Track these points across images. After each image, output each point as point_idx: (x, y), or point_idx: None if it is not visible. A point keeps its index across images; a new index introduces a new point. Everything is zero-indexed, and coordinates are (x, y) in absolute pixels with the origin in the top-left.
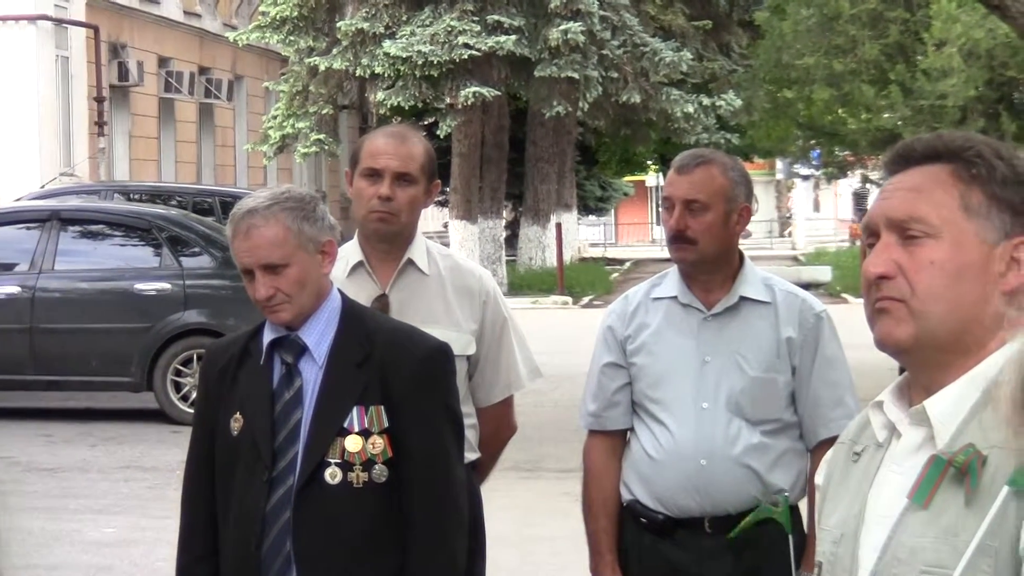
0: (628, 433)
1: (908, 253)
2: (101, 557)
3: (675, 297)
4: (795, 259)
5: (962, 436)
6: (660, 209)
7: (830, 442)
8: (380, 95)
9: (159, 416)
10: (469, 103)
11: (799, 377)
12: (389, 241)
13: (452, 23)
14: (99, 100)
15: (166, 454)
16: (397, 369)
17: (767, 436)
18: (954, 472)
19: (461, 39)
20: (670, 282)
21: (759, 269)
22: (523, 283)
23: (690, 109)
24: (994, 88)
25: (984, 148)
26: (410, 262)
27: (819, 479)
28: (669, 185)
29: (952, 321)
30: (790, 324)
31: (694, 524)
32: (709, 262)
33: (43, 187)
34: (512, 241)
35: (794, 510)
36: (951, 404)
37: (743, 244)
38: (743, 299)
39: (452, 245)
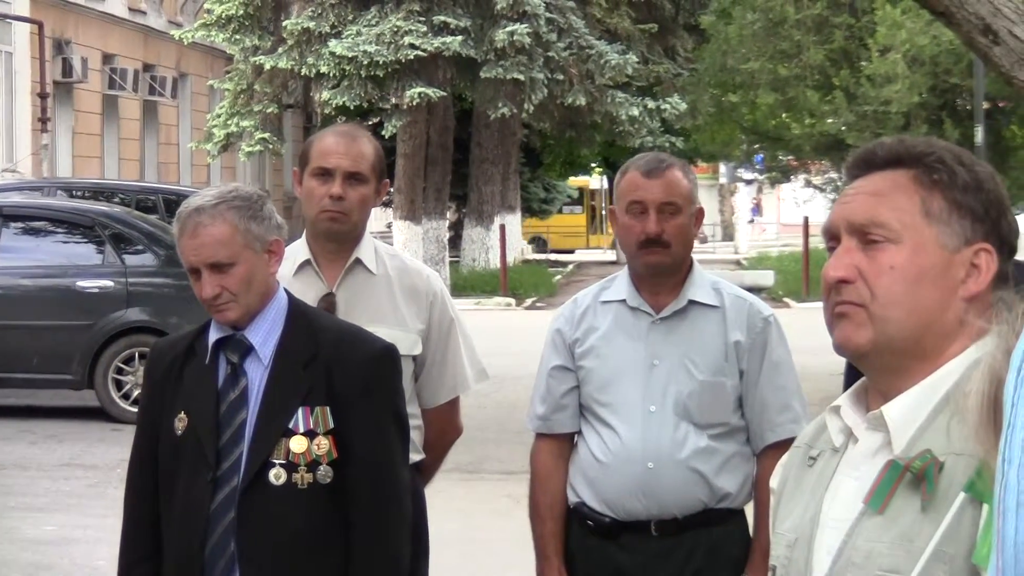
0: (575, 436)
1: (868, 257)
2: (41, 555)
3: (624, 300)
4: (738, 263)
5: (919, 442)
6: (619, 212)
7: (777, 446)
8: (325, 94)
9: (100, 414)
10: (414, 103)
11: (747, 381)
12: (338, 240)
13: (398, 23)
14: (43, 96)
15: (107, 452)
16: (343, 370)
17: (714, 440)
18: (911, 477)
19: (407, 39)
20: (619, 285)
21: (707, 273)
22: (466, 284)
23: (635, 112)
24: (938, 95)
25: (946, 154)
26: (358, 261)
27: (774, 482)
28: (638, 189)
29: (911, 326)
30: (738, 328)
31: (640, 527)
32: (677, 265)
33: None
34: (456, 242)
35: (740, 514)
36: (909, 409)
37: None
38: (692, 303)
39: (396, 245)
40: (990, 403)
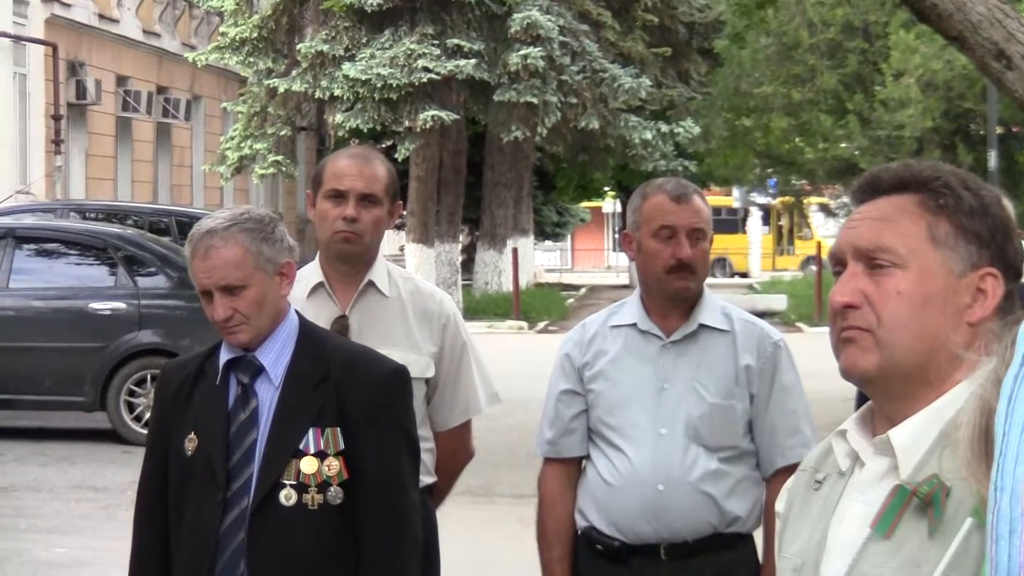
0: (584, 461)
1: (875, 283)
2: None
3: (634, 324)
4: (750, 287)
5: (926, 466)
6: (643, 237)
7: (786, 470)
8: (339, 117)
9: (112, 436)
10: (427, 126)
11: (756, 405)
12: (351, 262)
13: (412, 46)
14: (56, 118)
15: (118, 474)
16: (354, 391)
17: (724, 463)
18: (918, 503)
19: (420, 62)
20: (629, 309)
21: (716, 297)
22: (479, 308)
23: (648, 136)
24: (951, 119)
25: (951, 179)
26: (371, 284)
27: (779, 506)
28: (669, 214)
29: (917, 351)
30: (748, 352)
31: (650, 551)
32: (700, 290)
33: None
34: (468, 265)
35: (749, 538)
36: (915, 434)
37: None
38: (702, 327)
39: (408, 268)
40: (982, 434)
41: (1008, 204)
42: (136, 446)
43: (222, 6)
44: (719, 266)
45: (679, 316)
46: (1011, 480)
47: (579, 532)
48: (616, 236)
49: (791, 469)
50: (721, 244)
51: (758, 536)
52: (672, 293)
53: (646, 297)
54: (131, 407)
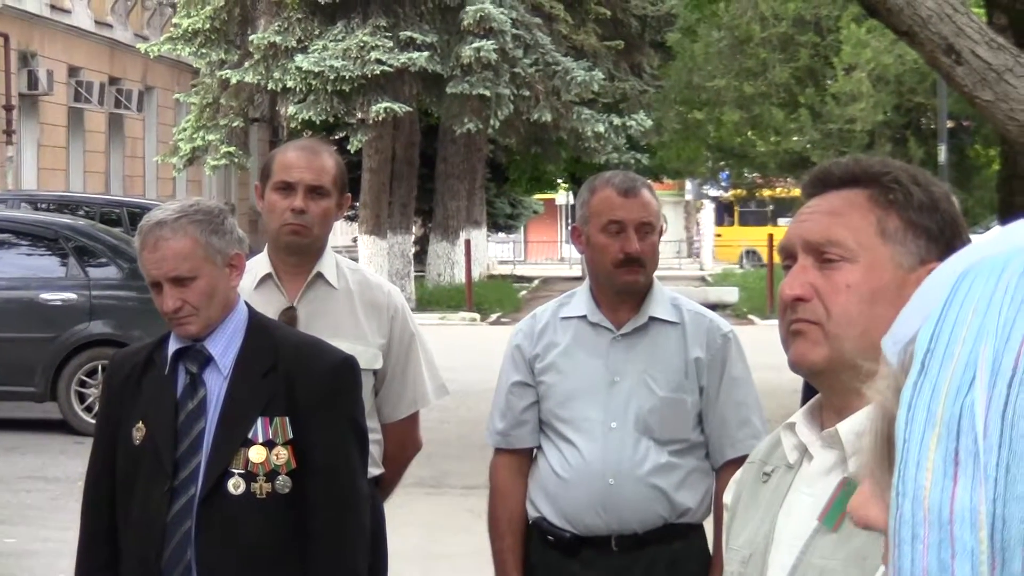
0: (535, 451)
1: (824, 276)
2: (1, 567)
3: (584, 316)
4: (703, 279)
5: None
6: (591, 230)
7: (736, 462)
8: (291, 109)
9: (62, 427)
10: (380, 118)
11: (706, 397)
12: (300, 254)
13: (365, 38)
14: (8, 108)
15: (68, 464)
16: (303, 380)
17: (675, 456)
18: None
19: (373, 54)
20: (579, 301)
21: (667, 289)
22: (431, 299)
23: (601, 128)
24: (902, 113)
25: (901, 174)
26: (319, 275)
27: (727, 498)
28: (616, 208)
29: (866, 345)
30: (698, 344)
31: (601, 542)
32: (649, 284)
33: None
34: (421, 257)
35: (699, 528)
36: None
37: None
38: (652, 319)
39: (361, 260)
40: (884, 441)
41: (955, 201)
42: (87, 436)
43: None
44: None
45: (629, 309)
46: (912, 486)
47: (530, 522)
48: (569, 228)
49: (741, 460)
50: None
51: (708, 526)
52: (621, 287)
53: (596, 290)
54: (82, 397)
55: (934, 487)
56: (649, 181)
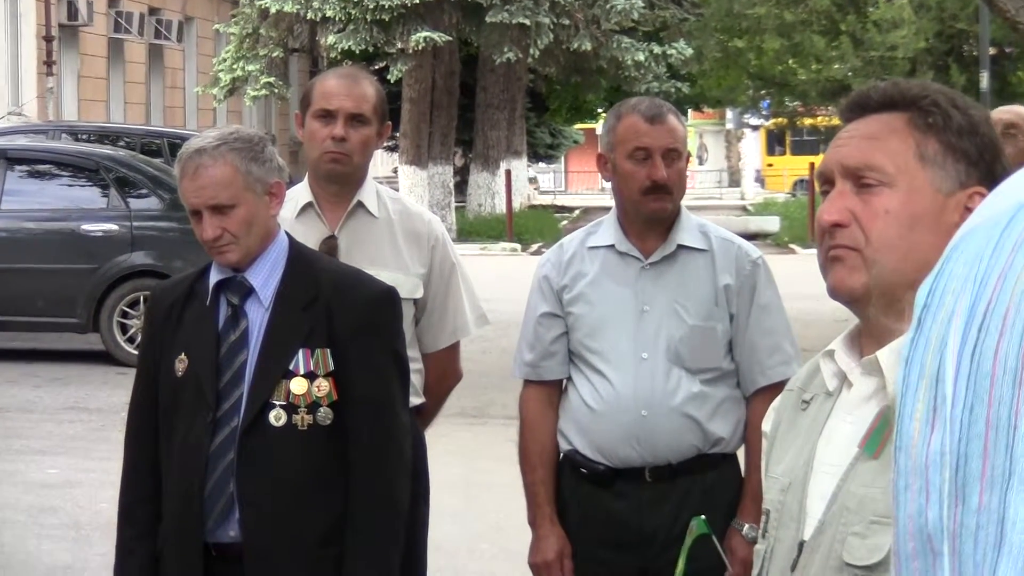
0: (565, 382)
1: (863, 201)
2: (44, 498)
3: (612, 246)
4: (744, 209)
5: None
6: (617, 158)
7: (767, 389)
8: (331, 39)
9: (105, 357)
10: (420, 48)
11: (736, 325)
12: (340, 183)
13: None
14: (48, 39)
15: (111, 395)
16: (343, 312)
17: (706, 385)
18: None
19: None
20: (606, 230)
21: (694, 216)
22: (472, 229)
23: (641, 57)
24: (944, 40)
25: (940, 97)
26: (360, 204)
27: (766, 426)
28: (642, 135)
29: (905, 270)
30: (727, 271)
31: (634, 474)
32: (677, 211)
33: None
34: (461, 187)
35: (732, 458)
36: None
37: (691, 192)
38: (680, 247)
39: (401, 190)
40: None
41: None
42: (129, 367)
43: None
44: None
45: (657, 237)
46: (905, 439)
47: (562, 455)
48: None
49: (772, 388)
50: None
51: (741, 455)
52: (648, 215)
53: (623, 218)
54: (124, 328)
55: (920, 438)
56: (676, 109)
